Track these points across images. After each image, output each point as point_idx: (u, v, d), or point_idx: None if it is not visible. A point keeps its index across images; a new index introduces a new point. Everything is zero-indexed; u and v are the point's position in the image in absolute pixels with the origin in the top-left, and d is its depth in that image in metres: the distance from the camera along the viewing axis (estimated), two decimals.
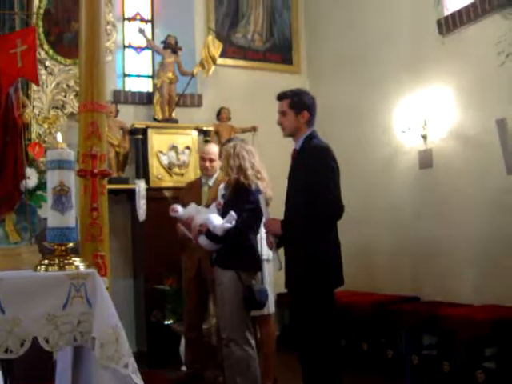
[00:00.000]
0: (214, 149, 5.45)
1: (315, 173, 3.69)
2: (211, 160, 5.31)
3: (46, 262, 2.61)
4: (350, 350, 5.94)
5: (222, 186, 4.77)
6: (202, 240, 4.33)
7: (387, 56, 6.49)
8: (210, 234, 4.24)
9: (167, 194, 6.33)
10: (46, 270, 2.58)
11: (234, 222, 4.10)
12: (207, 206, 4.85)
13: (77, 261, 2.63)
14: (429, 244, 5.89)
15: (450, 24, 5.75)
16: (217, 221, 4.18)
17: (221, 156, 4.64)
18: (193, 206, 4.60)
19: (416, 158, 6.09)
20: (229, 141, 4.68)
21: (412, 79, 6.13)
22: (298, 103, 3.86)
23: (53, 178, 2.63)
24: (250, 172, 4.23)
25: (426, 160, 5.98)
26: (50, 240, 2.62)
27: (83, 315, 2.49)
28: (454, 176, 5.67)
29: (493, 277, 5.25)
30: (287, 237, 3.80)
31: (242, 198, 4.22)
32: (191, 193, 5.35)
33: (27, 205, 3.03)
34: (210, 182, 5.35)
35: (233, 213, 4.09)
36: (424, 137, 5.96)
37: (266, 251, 4.64)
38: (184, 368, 5.72)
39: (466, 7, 5.59)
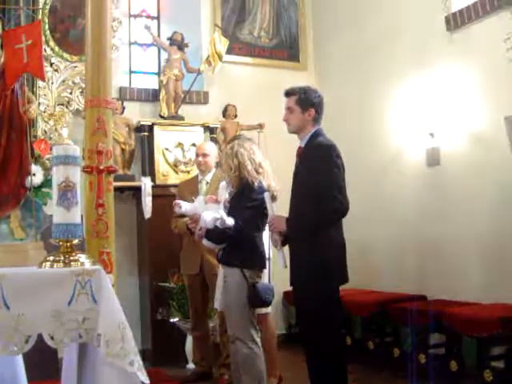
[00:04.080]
0: (207, 145, 5.60)
1: (320, 170, 3.66)
2: (204, 155, 5.39)
3: (51, 258, 2.60)
4: (356, 348, 5.92)
5: (222, 183, 4.80)
6: (206, 242, 4.33)
7: (395, 52, 6.45)
8: (208, 235, 4.22)
9: (173, 191, 6.30)
10: (51, 266, 2.57)
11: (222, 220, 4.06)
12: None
13: (82, 257, 2.61)
14: (435, 242, 5.86)
15: (458, 20, 5.72)
16: (208, 218, 4.14)
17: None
18: (201, 201, 4.55)
19: (423, 155, 6.06)
20: (233, 139, 4.70)
21: (420, 76, 6.09)
22: (305, 100, 3.84)
23: (58, 174, 2.62)
24: (249, 167, 4.21)
25: (433, 157, 5.95)
26: (55, 236, 2.61)
27: (88, 312, 2.48)
28: (462, 174, 5.64)
29: (500, 275, 5.22)
30: (292, 234, 3.78)
31: (244, 196, 4.21)
32: (188, 189, 5.35)
33: (33, 201, 3.01)
34: (208, 179, 5.37)
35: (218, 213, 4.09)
36: (431, 134, 5.93)
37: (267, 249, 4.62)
38: (190, 366, 5.72)
39: (474, 3, 5.56)
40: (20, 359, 3.24)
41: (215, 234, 4.15)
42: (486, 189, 5.39)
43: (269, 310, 4.83)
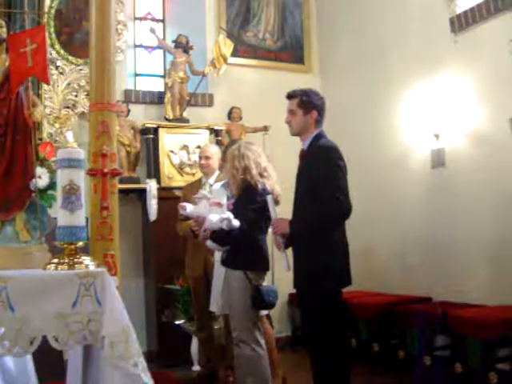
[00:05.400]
0: (209, 147, 5.59)
1: (323, 172, 3.67)
2: (207, 158, 5.39)
3: (56, 260, 2.61)
4: (361, 350, 5.91)
5: (216, 186, 4.85)
6: (210, 244, 4.33)
7: (400, 54, 6.46)
8: (213, 237, 4.22)
9: (178, 193, 6.31)
10: (56, 268, 2.58)
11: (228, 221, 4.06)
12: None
13: (86, 260, 2.63)
14: (440, 243, 5.85)
15: (462, 22, 5.72)
16: (215, 219, 4.14)
17: (225, 159, 4.65)
18: (205, 204, 4.55)
19: (428, 156, 6.06)
20: (232, 143, 4.69)
21: (425, 77, 6.09)
22: (306, 103, 3.85)
23: (62, 177, 2.63)
24: (254, 171, 4.21)
25: (438, 159, 5.95)
26: (59, 239, 2.62)
27: (93, 314, 2.49)
28: (466, 175, 5.63)
29: (506, 277, 5.21)
30: (295, 237, 3.78)
31: (248, 198, 4.20)
32: (192, 192, 5.35)
33: (37, 204, 3.03)
34: (211, 181, 5.37)
35: (224, 214, 4.08)
36: (436, 136, 5.92)
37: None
38: (195, 368, 5.72)
39: (479, 5, 5.56)
40: (29, 357, 3.26)
41: (220, 235, 4.15)
42: (490, 190, 5.39)
43: (264, 312, 4.83)
